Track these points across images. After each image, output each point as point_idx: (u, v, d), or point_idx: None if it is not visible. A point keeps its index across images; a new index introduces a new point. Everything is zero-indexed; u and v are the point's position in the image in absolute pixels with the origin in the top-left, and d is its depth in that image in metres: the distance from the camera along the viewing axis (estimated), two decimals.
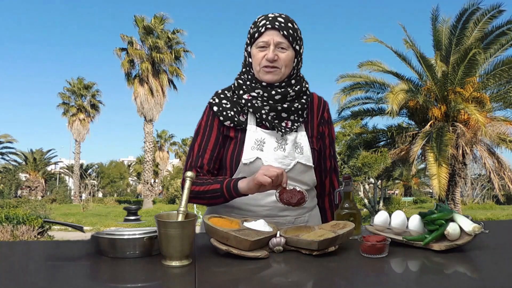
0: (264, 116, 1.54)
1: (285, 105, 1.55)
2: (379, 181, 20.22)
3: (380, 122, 66.51)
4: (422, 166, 17.13)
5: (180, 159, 54.31)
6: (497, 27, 13.54)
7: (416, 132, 14.70)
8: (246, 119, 1.58)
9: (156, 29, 26.70)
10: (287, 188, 1.37)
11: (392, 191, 39.96)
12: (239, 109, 1.59)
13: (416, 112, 14.86)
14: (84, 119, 37.00)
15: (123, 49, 26.87)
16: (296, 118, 1.58)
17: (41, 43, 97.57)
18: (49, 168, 49.31)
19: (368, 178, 17.67)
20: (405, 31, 13.70)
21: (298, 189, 1.37)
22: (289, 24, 1.53)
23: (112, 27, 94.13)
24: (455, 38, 13.89)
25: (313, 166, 1.61)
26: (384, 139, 16.55)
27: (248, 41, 1.58)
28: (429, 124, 14.05)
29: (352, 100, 15.85)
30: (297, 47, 1.56)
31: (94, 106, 37.88)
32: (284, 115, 1.56)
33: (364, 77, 15.30)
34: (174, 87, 28.36)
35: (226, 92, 1.64)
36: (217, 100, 1.61)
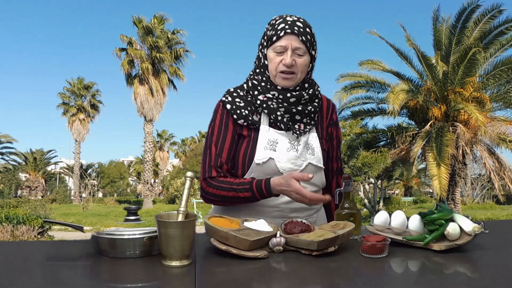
0: (279, 118, 1.56)
1: (299, 108, 1.57)
2: (379, 181, 20.21)
3: (380, 122, 66.51)
4: (422, 166, 17.14)
5: (180, 159, 54.31)
6: (496, 26, 13.54)
7: (416, 132, 14.70)
8: (260, 119, 1.58)
9: (156, 29, 26.69)
10: (294, 220, 1.36)
11: (392, 191, 39.95)
12: (253, 108, 1.59)
13: (416, 112, 14.87)
14: (84, 119, 37.01)
15: (123, 49, 26.86)
16: (308, 120, 1.60)
17: (41, 43, 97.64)
18: (49, 168, 49.34)
19: (368, 178, 17.66)
20: (404, 31, 13.72)
21: (305, 222, 1.35)
22: (307, 30, 1.53)
23: (112, 27, 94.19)
24: (455, 37, 13.89)
25: (323, 167, 1.62)
26: (384, 139, 16.56)
27: (265, 43, 1.57)
28: (429, 124, 14.05)
29: (352, 100, 15.89)
30: (313, 52, 1.57)
31: (94, 106, 37.89)
32: (297, 117, 1.58)
33: (365, 76, 15.32)
34: (174, 87, 28.37)
35: (238, 90, 1.64)
36: (230, 99, 1.61)
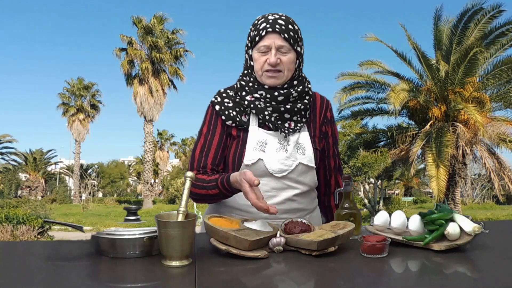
0: (267, 117, 1.54)
1: (288, 106, 1.55)
2: (379, 181, 20.21)
3: (380, 122, 66.55)
4: (422, 166, 17.14)
5: (180, 159, 54.30)
6: (497, 27, 13.55)
7: (416, 132, 14.70)
8: (248, 120, 1.57)
9: (156, 29, 26.69)
10: (294, 220, 1.35)
11: (392, 191, 39.94)
12: (242, 109, 1.58)
13: (416, 112, 14.87)
14: (84, 119, 37.00)
15: (122, 49, 26.87)
16: (299, 118, 1.58)
17: (41, 43, 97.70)
18: (49, 168, 49.31)
19: (368, 178, 17.67)
20: (405, 31, 13.72)
21: (305, 222, 1.35)
22: (290, 26, 1.51)
23: (112, 27, 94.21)
24: (456, 38, 13.88)
25: (314, 167, 1.60)
26: (384, 139, 16.56)
27: (249, 44, 1.56)
28: (429, 124, 14.05)
29: (352, 100, 15.88)
30: (298, 49, 1.55)
31: (94, 106, 37.88)
32: (287, 116, 1.56)
33: (365, 76, 15.32)
34: (174, 87, 28.38)
35: (228, 91, 1.63)
36: (219, 99, 1.61)
